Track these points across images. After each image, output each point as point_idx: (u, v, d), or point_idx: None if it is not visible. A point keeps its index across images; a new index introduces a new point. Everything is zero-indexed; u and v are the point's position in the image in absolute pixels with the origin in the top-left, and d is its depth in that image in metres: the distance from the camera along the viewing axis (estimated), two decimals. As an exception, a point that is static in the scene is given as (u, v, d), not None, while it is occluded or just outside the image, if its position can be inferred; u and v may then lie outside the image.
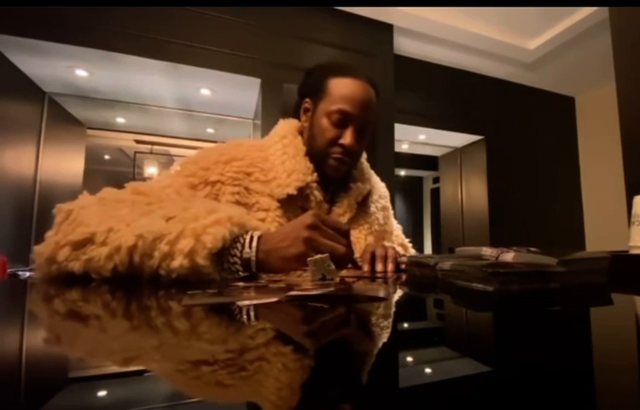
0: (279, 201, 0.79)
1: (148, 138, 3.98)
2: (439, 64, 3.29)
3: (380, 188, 1.03)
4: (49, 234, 0.57)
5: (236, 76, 2.38)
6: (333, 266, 0.55)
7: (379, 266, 0.67)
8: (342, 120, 0.81)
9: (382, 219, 0.97)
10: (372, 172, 1.00)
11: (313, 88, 0.86)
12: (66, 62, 2.28)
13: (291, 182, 0.79)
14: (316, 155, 0.84)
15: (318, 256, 0.54)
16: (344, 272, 0.70)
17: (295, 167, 0.80)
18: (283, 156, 0.82)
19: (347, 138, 0.81)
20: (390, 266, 0.67)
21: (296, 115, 0.92)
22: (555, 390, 0.15)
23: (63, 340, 0.26)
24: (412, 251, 1.07)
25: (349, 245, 0.63)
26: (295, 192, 0.79)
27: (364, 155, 0.96)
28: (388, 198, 1.05)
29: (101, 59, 2.22)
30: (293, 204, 0.80)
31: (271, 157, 0.83)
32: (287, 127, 0.89)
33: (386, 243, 0.79)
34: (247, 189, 0.79)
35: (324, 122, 0.82)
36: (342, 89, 0.82)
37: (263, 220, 0.77)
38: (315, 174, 0.82)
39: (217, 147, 0.83)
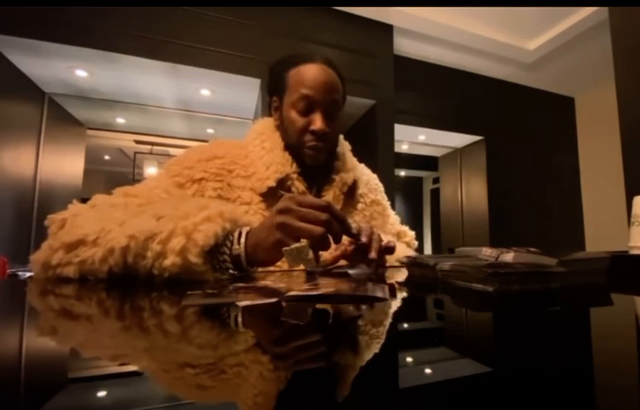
0: (261, 195, 0.80)
1: (148, 139, 3.98)
2: (438, 64, 3.29)
3: (370, 181, 1.01)
4: (45, 244, 0.57)
5: (236, 76, 2.38)
6: (310, 255, 0.51)
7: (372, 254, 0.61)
8: (307, 107, 0.81)
9: (370, 214, 0.96)
10: (360, 165, 0.99)
11: (276, 85, 0.88)
12: (66, 63, 2.28)
13: (270, 175, 0.80)
14: (292, 147, 0.85)
15: (294, 246, 0.51)
16: (326, 255, 0.65)
17: (273, 160, 0.82)
18: (261, 151, 0.83)
19: (317, 123, 0.81)
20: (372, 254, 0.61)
21: (271, 114, 0.93)
22: (555, 391, 0.15)
23: (62, 340, 0.26)
24: (411, 235, 1.05)
25: (339, 219, 0.58)
26: (275, 184, 0.79)
27: (349, 146, 0.95)
28: (380, 190, 1.04)
29: (101, 59, 2.22)
30: (276, 197, 0.81)
31: (251, 154, 0.84)
32: (264, 124, 0.90)
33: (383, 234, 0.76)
34: (229, 185, 0.80)
35: (292, 114, 0.83)
36: (301, 76, 0.83)
37: (245, 213, 0.77)
38: (294, 166, 0.83)
39: (199, 147, 0.84)
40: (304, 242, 0.52)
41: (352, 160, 0.95)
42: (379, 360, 0.20)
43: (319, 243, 0.54)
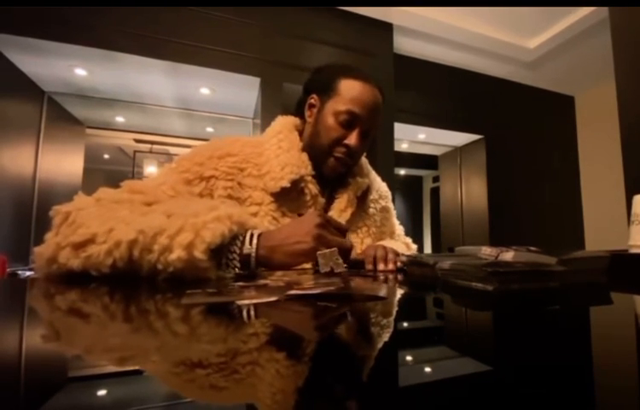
0: (273, 194, 0.79)
1: (148, 137, 3.97)
2: (439, 63, 3.29)
3: (381, 188, 1.03)
4: (49, 236, 0.57)
5: (236, 75, 2.38)
6: (340, 260, 0.60)
7: (380, 265, 0.67)
8: (349, 121, 0.81)
9: (380, 220, 0.98)
10: (372, 170, 1.01)
11: (322, 85, 0.86)
12: (66, 61, 2.27)
13: (284, 175, 0.79)
14: (317, 151, 0.84)
15: (327, 250, 0.59)
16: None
17: (289, 161, 0.81)
18: (278, 151, 0.82)
19: (353, 139, 0.81)
20: (391, 266, 0.67)
21: (298, 111, 0.92)
22: (555, 390, 0.15)
23: (62, 340, 0.26)
24: (414, 247, 1.08)
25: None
26: (289, 185, 0.79)
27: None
28: (389, 198, 1.06)
29: (101, 58, 2.21)
30: (287, 198, 0.80)
31: (266, 152, 0.83)
32: (283, 123, 0.89)
33: (386, 244, 0.79)
34: (239, 184, 0.79)
35: (331, 121, 0.82)
36: (352, 90, 0.82)
37: (255, 214, 0.77)
38: (310, 168, 0.83)
39: (211, 143, 0.83)
40: (334, 250, 0.60)
41: (367, 165, 0.97)
42: (379, 358, 0.20)
43: (344, 253, 0.63)
